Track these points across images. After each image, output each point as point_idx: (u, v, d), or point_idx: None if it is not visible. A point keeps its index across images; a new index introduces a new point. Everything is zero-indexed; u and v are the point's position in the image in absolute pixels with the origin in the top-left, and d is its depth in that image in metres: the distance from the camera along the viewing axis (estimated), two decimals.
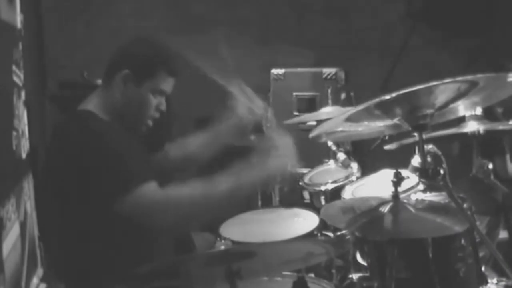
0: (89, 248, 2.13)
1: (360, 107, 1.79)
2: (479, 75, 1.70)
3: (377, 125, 2.02)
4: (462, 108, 1.99)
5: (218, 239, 2.67)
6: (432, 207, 2.16)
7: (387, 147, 2.78)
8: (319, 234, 2.66)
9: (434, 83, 1.67)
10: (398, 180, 2.03)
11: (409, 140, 2.50)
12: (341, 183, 3.08)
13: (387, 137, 2.89)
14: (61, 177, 2.14)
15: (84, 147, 2.10)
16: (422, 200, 2.31)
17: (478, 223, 3.44)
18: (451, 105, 1.90)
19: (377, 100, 1.73)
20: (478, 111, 2.62)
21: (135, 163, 2.11)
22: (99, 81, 4.96)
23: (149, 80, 2.22)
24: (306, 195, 3.33)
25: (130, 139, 2.25)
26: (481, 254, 2.31)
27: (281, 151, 2.14)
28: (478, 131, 2.63)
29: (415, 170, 2.02)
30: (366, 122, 1.99)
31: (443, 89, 1.76)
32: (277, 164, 2.13)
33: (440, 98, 1.79)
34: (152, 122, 2.29)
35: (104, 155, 2.08)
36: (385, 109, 1.84)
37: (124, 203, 2.00)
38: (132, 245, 2.11)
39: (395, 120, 1.88)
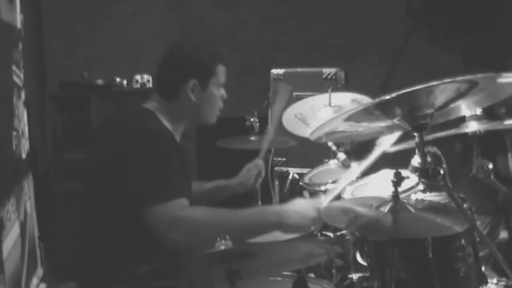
0: (91, 249, 2.13)
1: (360, 107, 1.79)
2: (478, 75, 1.70)
3: (377, 125, 2.02)
4: (463, 108, 1.99)
5: (218, 239, 2.66)
6: (432, 207, 2.16)
7: (387, 150, 2.78)
8: (319, 234, 2.66)
9: (434, 83, 1.67)
10: (398, 180, 2.03)
11: (410, 144, 2.50)
12: None
13: None
14: (104, 168, 2.17)
15: (137, 144, 2.13)
16: (422, 200, 2.30)
17: (479, 223, 3.44)
18: (452, 105, 1.90)
19: (377, 100, 1.73)
20: (478, 111, 2.62)
21: (177, 175, 2.14)
22: (100, 81, 4.99)
23: (212, 79, 2.34)
24: (306, 195, 3.33)
25: (181, 154, 2.31)
26: (481, 254, 2.31)
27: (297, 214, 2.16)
28: (479, 131, 2.62)
29: (415, 170, 2.01)
30: (366, 123, 1.98)
31: (443, 89, 1.75)
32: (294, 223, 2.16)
33: (440, 98, 1.79)
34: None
35: (153, 157, 2.11)
36: (385, 109, 1.84)
37: (151, 211, 2.02)
38: (134, 246, 2.11)
39: (395, 120, 1.88)
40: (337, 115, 1.91)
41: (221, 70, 2.36)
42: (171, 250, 2.07)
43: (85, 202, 2.25)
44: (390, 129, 2.06)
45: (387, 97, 1.70)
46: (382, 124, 1.99)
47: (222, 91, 2.41)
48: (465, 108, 2.00)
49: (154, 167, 2.09)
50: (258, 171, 2.82)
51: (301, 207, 2.15)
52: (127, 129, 2.22)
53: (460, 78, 1.71)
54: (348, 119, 1.90)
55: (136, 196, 2.03)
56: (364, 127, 2.04)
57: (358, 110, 1.82)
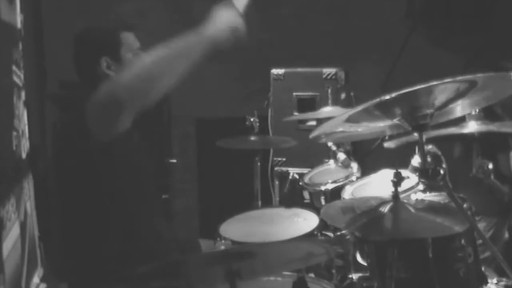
0: (91, 248, 2.13)
1: (360, 107, 1.78)
2: (478, 75, 1.70)
3: (377, 126, 2.02)
4: (462, 108, 1.99)
5: (218, 239, 2.67)
6: (432, 207, 2.16)
7: (386, 144, 2.78)
8: (319, 234, 2.66)
9: (434, 83, 1.67)
10: (398, 180, 2.03)
11: (409, 139, 2.49)
12: (341, 183, 3.08)
13: (387, 137, 2.89)
14: (64, 170, 2.15)
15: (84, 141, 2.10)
16: (422, 200, 2.30)
17: (484, 224, 3.44)
18: (452, 105, 1.90)
19: (377, 100, 1.73)
20: (476, 110, 2.62)
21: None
22: None
23: (122, 49, 2.29)
24: (306, 195, 3.34)
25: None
26: (485, 255, 2.31)
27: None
28: (477, 133, 2.63)
29: (415, 170, 2.01)
30: (366, 123, 1.98)
31: (443, 89, 1.75)
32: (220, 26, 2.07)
33: (440, 98, 1.79)
34: None
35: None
36: (385, 109, 1.84)
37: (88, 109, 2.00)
38: (134, 246, 2.11)
39: (395, 120, 1.88)
40: (337, 116, 1.90)
41: (127, 36, 2.31)
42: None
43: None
44: (390, 129, 2.06)
45: (387, 97, 1.70)
46: (382, 124, 1.99)
47: (144, 55, 2.29)
48: (465, 108, 2.00)
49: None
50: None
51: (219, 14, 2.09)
52: (71, 129, 2.21)
53: (460, 78, 1.71)
54: (348, 119, 1.90)
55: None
56: (364, 127, 2.04)
57: (358, 111, 1.81)
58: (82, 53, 2.33)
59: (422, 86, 1.66)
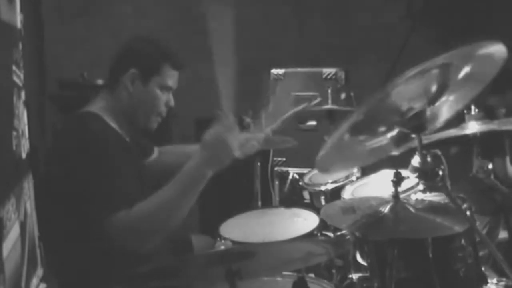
0: (86, 249, 2.13)
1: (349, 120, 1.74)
2: (441, 56, 1.67)
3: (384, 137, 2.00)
4: (457, 101, 1.97)
5: (218, 239, 2.67)
6: (432, 207, 2.16)
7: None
8: (319, 234, 2.66)
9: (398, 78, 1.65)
10: (398, 180, 2.03)
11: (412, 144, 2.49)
12: (341, 183, 3.08)
13: None
14: (57, 177, 2.13)
15: (81, 149, 2.08)
16: (422, 200, 2.30)
17: (478, 223, 3.44)
18: (442, 99, 1.88)
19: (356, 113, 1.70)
20: (475, 110, 2.61)
21: (123, 180, 2.06)
22: (99, 81, 5.02)
23: (155, 77, 2.22)
24: (306, 195, 3.34)
25: (127, 146, 2.25)
26: (480, 254, 2.31)
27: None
28: (478, 134, 2.62)
29: (415, 170, 2.01)
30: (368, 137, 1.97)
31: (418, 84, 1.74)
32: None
33: (419, 91, 1.78)
34: (161, 119, 2.30)
35: (96, 160, 2.05)
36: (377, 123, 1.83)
37: (106, 223, 1.97)
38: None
39: (396, 127, 1.88)
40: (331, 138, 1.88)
41: (168, 71, 2.23)
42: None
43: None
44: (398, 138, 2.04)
45: (360, 116, 1.68)
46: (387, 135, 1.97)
47: (168, 97, 2.27)
48: (458, 101, 1.98)
49: (97, 176, 2.02)
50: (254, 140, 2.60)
51: (211, 137, 2.05)
52: (67, 139, 2.18)
53: (415, 68, 1.69)
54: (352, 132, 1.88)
55: (87, 210, 2.01)
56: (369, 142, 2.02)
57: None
58: (119, 55, 2.26)
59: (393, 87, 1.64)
